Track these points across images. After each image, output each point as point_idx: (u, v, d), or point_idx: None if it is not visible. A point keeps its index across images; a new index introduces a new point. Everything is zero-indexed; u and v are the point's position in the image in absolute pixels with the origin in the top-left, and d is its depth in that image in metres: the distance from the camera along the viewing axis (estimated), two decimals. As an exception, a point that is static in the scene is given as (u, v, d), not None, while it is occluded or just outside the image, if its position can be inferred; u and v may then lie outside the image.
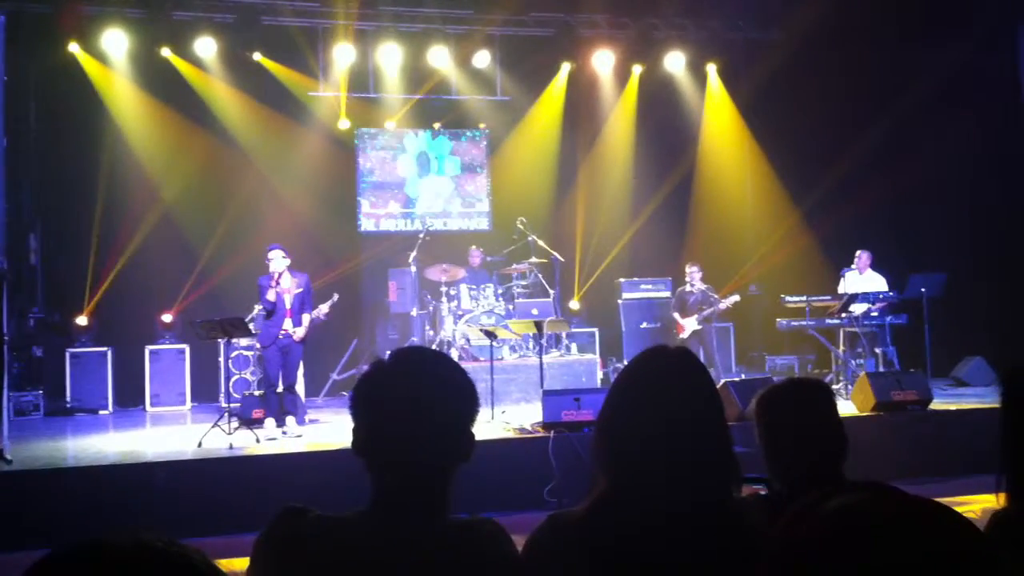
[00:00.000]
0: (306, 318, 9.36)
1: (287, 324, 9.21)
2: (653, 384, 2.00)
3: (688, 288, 12.28)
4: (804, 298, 11.03)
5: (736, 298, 11.97)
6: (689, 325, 12.12)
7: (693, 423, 1.95)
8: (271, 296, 9.11)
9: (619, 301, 13.32)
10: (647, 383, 2.02)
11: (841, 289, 11.36)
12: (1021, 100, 12.28)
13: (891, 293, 11.12)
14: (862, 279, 11.49)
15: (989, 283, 12.08)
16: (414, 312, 12.45)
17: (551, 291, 12.24)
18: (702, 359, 11.44)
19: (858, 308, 10.97)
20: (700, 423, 1.96)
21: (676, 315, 12.34)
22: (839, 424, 2.49)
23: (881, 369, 10.79)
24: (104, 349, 12.06)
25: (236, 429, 8.66)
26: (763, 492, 2.56)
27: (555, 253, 12.40)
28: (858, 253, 11.63)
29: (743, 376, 11.53)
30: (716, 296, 12.16)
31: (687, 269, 12.37)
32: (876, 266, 11.70)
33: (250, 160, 12.89)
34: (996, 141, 12.27)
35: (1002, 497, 2.10)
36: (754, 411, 2.54)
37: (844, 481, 2.38)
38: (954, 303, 11.43)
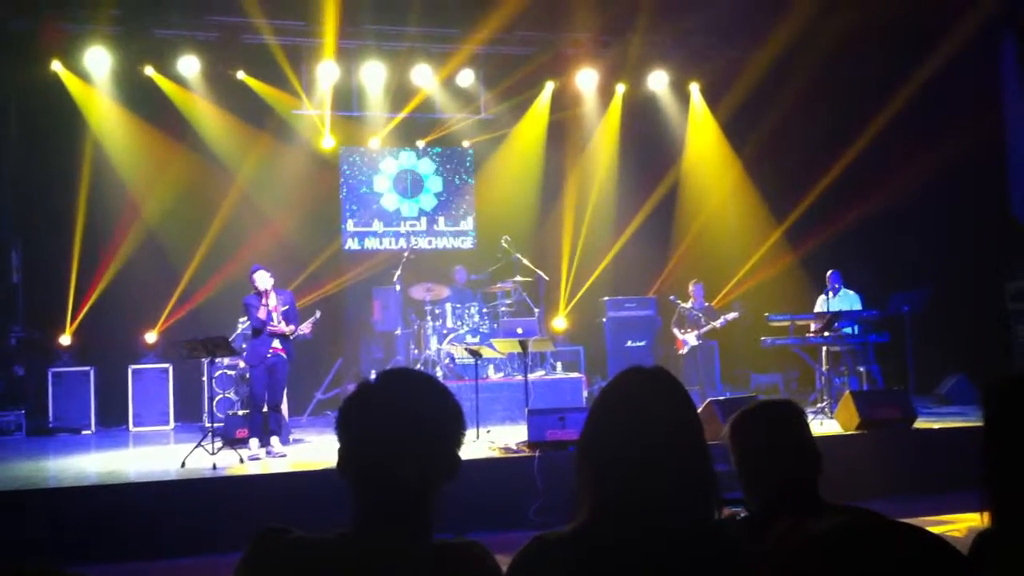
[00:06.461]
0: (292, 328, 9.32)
1: (276, 343, 9.17)
2: (631, 404, 2.00)
3: (688, 305, 12.35)
4: (788, 317, 11.06)
5: (735, 314, 12.04)
6: (689, 341, 12.24)
7: (672, 442, 1.95)
8: (262, 314, 9.07)
9: (603, 320, 13.32)
10: (625, 403, 2.02)
11: (818, 309, 11.44)
12: (1001, 115, 12.37)
13: (873, 312, 11.15)
14: (837, 300, 11.47)
15: (970, 301, 12.12)
16: (398, 331, 12.42)
17: (536, 309, 12.24)
18: (701, 376, 11.61)
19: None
20: (679, 442, 1.96)
21: (676, 331, 12.45)
22: (812, 444, 2.48)
23: (865, 387, 10.82)
24: (86, 368, 11.98)
25: (219, 449, 8.62)
26: (742, 514, 2.55)
27: (539, 271, 12.39)
28: (828, 273, 11.61)
29: (728, 395, 11.55)
30: (715, 313, 12.28)
31: (691, 286, 12.50)
32: (852, 285, 11.71)
33: (233, 178, 12.86)
34: (978, 156, 12.32)
35: (986, 515, 2.10)
36: (727, 435, 2.54)
37: (820, 501, 2.39)
38: (936, 321, 11.48)
